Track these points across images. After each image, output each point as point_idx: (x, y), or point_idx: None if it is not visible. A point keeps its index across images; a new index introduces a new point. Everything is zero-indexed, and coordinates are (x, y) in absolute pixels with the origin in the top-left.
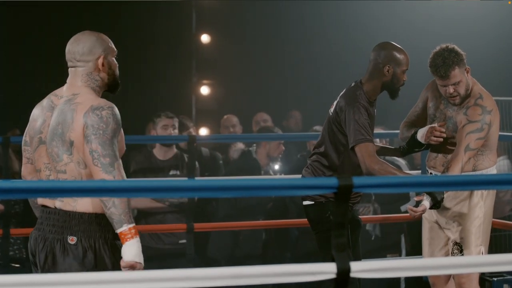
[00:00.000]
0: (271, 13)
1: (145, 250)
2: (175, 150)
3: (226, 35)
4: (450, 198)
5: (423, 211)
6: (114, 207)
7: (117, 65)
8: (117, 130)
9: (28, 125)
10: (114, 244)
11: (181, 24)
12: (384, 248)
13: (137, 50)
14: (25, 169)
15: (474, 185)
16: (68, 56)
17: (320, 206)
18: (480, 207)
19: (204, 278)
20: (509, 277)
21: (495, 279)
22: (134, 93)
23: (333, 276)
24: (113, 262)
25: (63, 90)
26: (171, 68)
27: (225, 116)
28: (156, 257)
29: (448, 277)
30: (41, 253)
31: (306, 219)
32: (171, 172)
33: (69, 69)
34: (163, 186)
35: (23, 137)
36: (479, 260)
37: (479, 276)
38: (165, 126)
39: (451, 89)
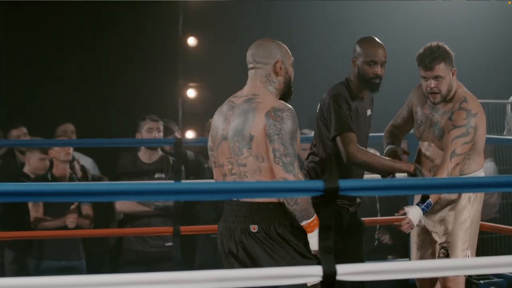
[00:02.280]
0: (258, 16)
1: (132, 253)
2: (160, 153)
3: (213, 38)
4: (437, 201)
5: (409, 224)
6: (296, 205)
7: (293, 72)
8: (296, 131)
9: (210, 132)
10: (295, 228)
11: (168, 27)
12: (392, 251)
13: (123, 53)
14: (215, 173)
15: (465, 188)
16: (249, 58)
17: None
18: (467, 211)
19: (190, 281)
20: (495, 279)
21: (482, 281)
22: (120, 96)
23: (319, 278)
24: (295, 244)
25: (243, 91)
26: (157, 71)
27: (210, 120)
28: (143, 260)
29: (435, 281)
30: (230, 243)
31: None
32: (156, 175)
33: (249, 71)
34: (150, 189)
35: (208, 143)
36: (465, 263)
37: (465, 278)
38: (150, 129)
39: (432, 83)
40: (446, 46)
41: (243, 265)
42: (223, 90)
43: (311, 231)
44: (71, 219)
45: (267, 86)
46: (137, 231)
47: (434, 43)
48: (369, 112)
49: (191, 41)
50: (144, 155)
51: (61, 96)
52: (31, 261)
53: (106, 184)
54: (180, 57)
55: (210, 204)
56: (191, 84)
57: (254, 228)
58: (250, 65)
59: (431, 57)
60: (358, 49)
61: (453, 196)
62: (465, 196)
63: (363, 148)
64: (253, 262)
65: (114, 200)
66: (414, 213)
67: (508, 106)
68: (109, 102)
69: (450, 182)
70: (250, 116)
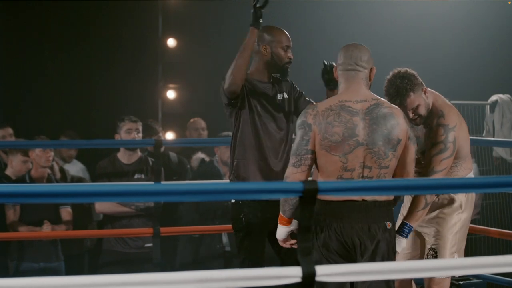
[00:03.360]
0: (237, 17)
1: (112, 254)
2: (139, 153)
3: (192, 39)
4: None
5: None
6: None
7: None
8: None
9: (307, 138)
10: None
11: (148, 28)
12: None
13: (103, 54)
14: (302, 176)
15: (442, 189)
16: (348, 60)
17: (236, 205)
18: (458, 214)
19: (169, 282)
20: (475, 280)
21: (462, 282)
22: (100, 97)
23: (298, 280)
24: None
25: (356, 95)
26: (137, 72)
27: (191, 120)
28: (122, 261)
29: (410, 283)
30: (366, 242)
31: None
32: (136, 176)
33: (346, 71)
34: (129, 190)
35: (304, 147)
36: (446, 263)
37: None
38: (129, 130)
39: (410, 114)
40: (408, 72)
41: (373, 260)
42: (203, 91)
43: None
44: (46, 229)
45: (368, 89)
46: (117, 232)
47: (396, 72)
48: (280, 96)
49: (171, 42)
50: (124, 156)
51: (41, 98)
52: (10, 263)
53: (86, 186)
54: (160, 58)
55: (191, 205)
56: (171, 85)
57: (389, 225)
58: (348, 67)
59: (400, 96)
60: (268, 36)
61: (446, 199)
62: (458, 200)
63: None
64: (382, 257)
65: (93, 201)
66: (401, 246)
67: (487, 108)
68: (89, 103)
69: (429, 183)
70: (393, 121)
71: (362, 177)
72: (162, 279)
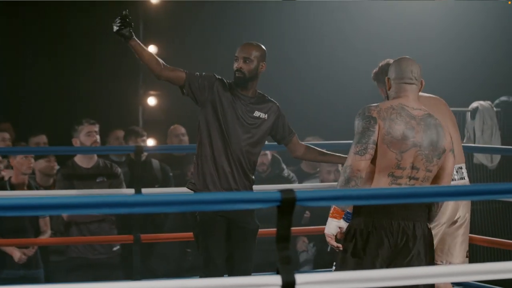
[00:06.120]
0: (218, 25)
1: (78, 260)
2: (96, 157)
3: (173, 45)
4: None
5: (330, 239)
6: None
7: None
8: None
9: (372, 129)
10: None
11: None
12: None
13: (83, 61)
14: (365, 164)
15: (424, 197)
16: (409, 74)
17: None
18: (464, 228)
19: None
20: (456, 287)
21: None
22: (80, 104)
23: None
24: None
25: (413, 102)
26: (118, 79)
27: (172, 126)
28: (89, 266)
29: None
30: (406, 238)
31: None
32: (98, 179)
33: (404, 85)
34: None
35: (371, 137)
36: (430, 271)
37: None
38: (89, 133)
39: None
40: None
41: (411, 258)
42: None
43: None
44: (25, 253)
45: None
46: (96, 239)
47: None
48: (258, 114)
49: (152, 48)
50: (82, 161)
51: (20, 105)
52: None
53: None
54: (141, 65)
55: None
56: (152, 92)
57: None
58: (409, 80)
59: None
60: None
61: (454, 216)
62: (464, 215)
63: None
64: (419, 256)
65: (73, 213)
66: (328, 227)
67: (468, 114)
68: (68, 110)
69: (411, 192)
70: (441, 132)
71: (410, 177)
72: (141, 287)
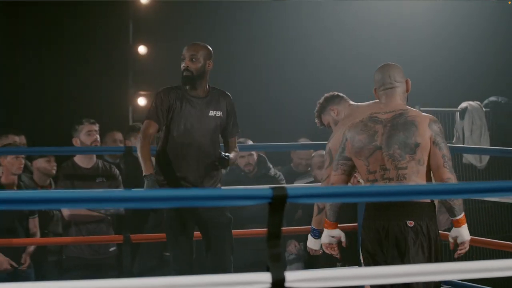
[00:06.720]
0: (208, 26)
1: (75, 260)
2: (95, 158)
3: (163, 46)
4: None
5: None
6: (457, 200)
7: None
8: None
9: (343, 146)
10: (437, 227)
11: (118, 35)
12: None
13: (73, 62)
14: (337, 179)
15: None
16: (387, 79)
17: None
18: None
19: None
20: (445, 286)
21: None
22: (69, 104)
23: (268, 286)
24: (438, 241)
25: (383, 108)
26: (107, 79)
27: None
28: (86, 266)
29: None
30: (385, 241)
31: (242, 230)
32: (98, 180)
33: (385, 90)
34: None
35: (341, 154)
36: (415, 269)
37: None
38: (89, 132)
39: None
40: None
41: (394, 258)
42: None
43: (459, 225)
44: (12, 265)
45: (404, 101)
46: (87, 239)
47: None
48: (214, 113)
49: (142, 49)
50: (82, 161)
51: (10, 105)
52: None
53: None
54: (131, 65)
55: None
56: (142, 93)
57: (410, 223)
58: (387, 85)
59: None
60: None
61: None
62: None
63: (147, 137)
64: (404, 255)
65: (63, 207)
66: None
67: (457, 114)
68: (58, 111)
69: (399, 189)
70: (411, 128)
71: (384, 178)
72: (131, 285)
